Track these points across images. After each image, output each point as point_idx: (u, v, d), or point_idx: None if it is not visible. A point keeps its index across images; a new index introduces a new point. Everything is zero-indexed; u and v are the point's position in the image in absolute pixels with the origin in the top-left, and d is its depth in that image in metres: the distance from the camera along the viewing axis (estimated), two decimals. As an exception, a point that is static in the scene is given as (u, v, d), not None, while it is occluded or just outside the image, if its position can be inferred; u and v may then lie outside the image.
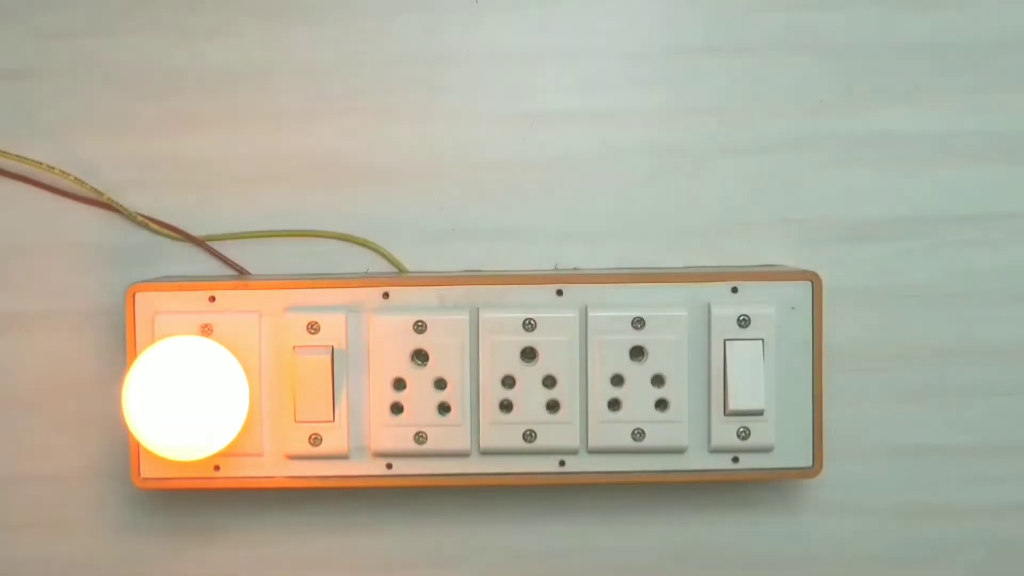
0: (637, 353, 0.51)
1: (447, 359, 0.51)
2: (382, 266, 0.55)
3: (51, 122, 0.55)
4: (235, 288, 0.51)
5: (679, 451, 0.51)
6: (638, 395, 0.51)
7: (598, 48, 0.55)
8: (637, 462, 0.51)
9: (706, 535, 0.56)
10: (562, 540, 0.56)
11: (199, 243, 0.55)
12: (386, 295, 0.51)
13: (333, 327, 0.51)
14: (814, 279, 0.51)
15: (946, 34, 0.54)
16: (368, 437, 0.51)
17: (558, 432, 0.51)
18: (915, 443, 0.56)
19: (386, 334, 0.51)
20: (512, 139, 0.55)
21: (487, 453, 0.51)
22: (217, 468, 0.51)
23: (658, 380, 0.51)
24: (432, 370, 0.51)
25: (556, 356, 0.50)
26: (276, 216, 0.55)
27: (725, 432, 0.51)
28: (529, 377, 0.51)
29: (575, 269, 0.55)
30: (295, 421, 0.51)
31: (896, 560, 0.56)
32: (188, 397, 0.48)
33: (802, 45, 0.54)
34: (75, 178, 0.54)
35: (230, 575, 0.56)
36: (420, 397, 0.51)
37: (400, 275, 0.54)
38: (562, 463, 0.52)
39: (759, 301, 0.51)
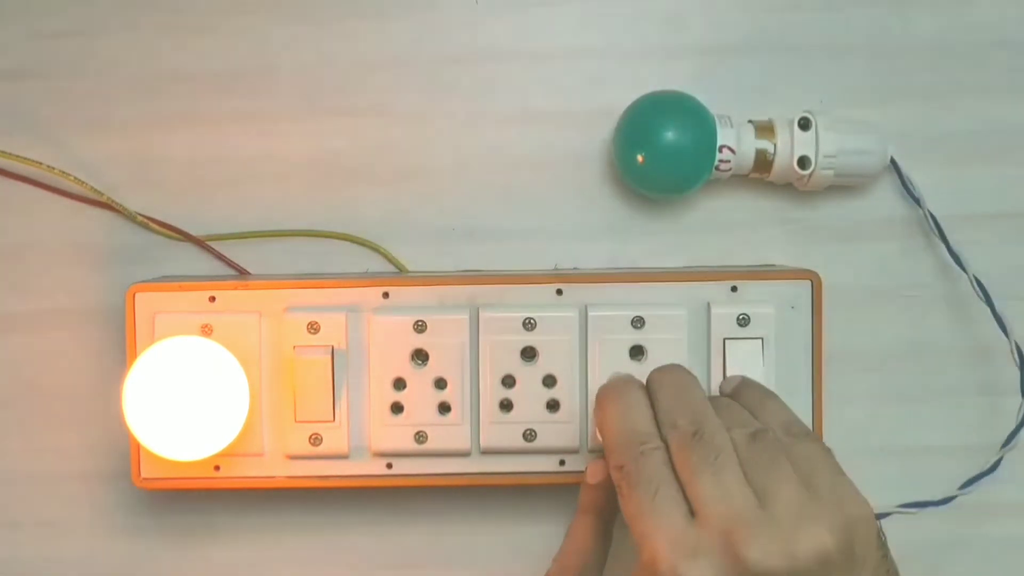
0: (637, 352, 0.51)
1: (447, 359, 0.51)
2: (382, 266, 0.55)
3: (51, 122, 0.55)
4: (235, 288, 0.51)
5: (679, 450, 0.51)
6: (638, 394, 0.51)
7: (599, 48, 0.55)
8: (637, 461, 0.51)
9: (706, 535, 0.56)
10: (562, 540, 0.56)
11: (199, 243, 0.55)
12: (386, 295, 0.51)
13: (333, 327, 0.51)
14: (813, 278, 0.51)
15: (946, 34, 0.55)
16: (368, 437, 0.51)
17: (558, 431, 0.51)
18: (915, 443, 0.56)
19: (386, 334, 0.51)
20: (512, 138, 0.55)
21: (487, 453, 0.51)
22: (217, 468, 0.51)
23: (658, 379, 0.51)
24: (432, 370, 0.51)
25: (556, 355, 0.50)
26: (276, 216, 0.55)
27: (725, 431, 0.51)
28: (529, 376, 0.51)
29: (575, 269, 0.55)
30: (295, 421, 0.51)
31: (896, 560, 0.56)
32: (188, 397, 0.48)
33: (802, 45, 0.55)
34: (75, 178, 0.54)
35: (230, 575, 0.56)
36: (420, 397, 0.51)
37: (400, 275, 0.54)
38: (562, 462, 0.52)
39: (759, 300, 0.51)
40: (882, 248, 0.55)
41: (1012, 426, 0.52)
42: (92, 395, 0.55)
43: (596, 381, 0.50)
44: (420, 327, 0.50)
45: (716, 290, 0.51)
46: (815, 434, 0.43)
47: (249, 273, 0.55)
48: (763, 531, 0.39)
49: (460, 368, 0.51)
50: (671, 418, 0.43)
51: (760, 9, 0.55)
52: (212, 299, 0.51)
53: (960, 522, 0.55)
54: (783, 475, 0.40)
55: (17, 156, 0.53)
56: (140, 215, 0.54)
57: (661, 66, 0.55)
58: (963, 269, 0.53)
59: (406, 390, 0.51)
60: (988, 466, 0.50)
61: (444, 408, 0.51)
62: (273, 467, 0.51)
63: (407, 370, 0.51)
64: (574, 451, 0.51)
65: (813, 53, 0.55)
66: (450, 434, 0.51)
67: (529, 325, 0.50)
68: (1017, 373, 0.51)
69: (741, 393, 0.47)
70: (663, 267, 0.55)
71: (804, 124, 0.52)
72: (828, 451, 0.43)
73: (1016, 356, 0.52)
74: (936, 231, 0.54)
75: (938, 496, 0.50)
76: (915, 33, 0.55)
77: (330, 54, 0.55)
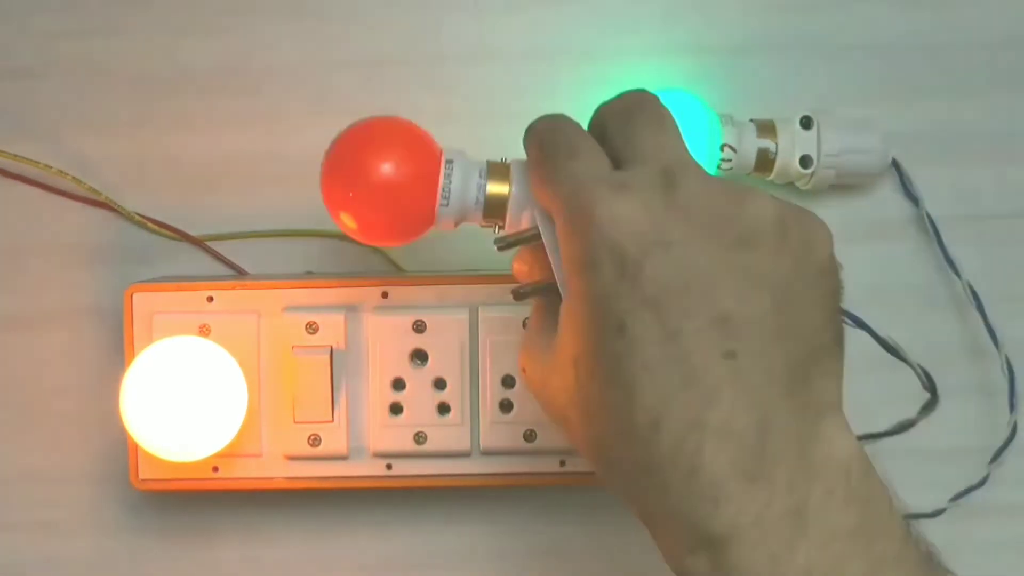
0: (637, 353, 0.51)
1: (446, 359, 0.51)
2: (381, 266, 0.55)
3: (51, 122, 0.55)
4: (233, 288, 0.51)
5: (679, 451, 0.51)
6: (638, 395, 0.50)
7: (599, 47, 0.55)
8: (637, 462, 0.51)
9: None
10: (562, 540, 0.56)
11: (198, 243, 0.55)
12: (385, 295, 0.51)
13: (332, 327, 0.50)
14: (814, 278, 0.51)
15: (946, 34, 0.54)
16: (367, 437, 0.51)
17: (559, 431, 0.51)
18: (914, 443, 0.55)
19: (385, 334, 0.51)
20: (512, 138, 0.55)
21: (487, 453, 0.51)
22: (216, 469, 0.51)
23: (658, 380, 0.50)
24: (431, 370, 0.51)
25: (555, 356, 0.50)
26: (276, 216, 0.55)
27: (725, 432, 0.51)
28: (529, 377, 0.51)
29: (575, 269, 0.55)
30: (294, 422, 0.51)
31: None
32: (186, 398, 0.48)
33: (802, 45, 0.54)
34: (74, 178, 0.54)
35: (230, 575, 0.56)
36: (419, 397, 0.51)
37: (399, 275, 0.54)
38: (562, 463, 0.51)
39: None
40: (882, 248, 0.55)
41: (1008, 428, 0.52)
42: (91, 395, 0.55)
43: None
44: (419, 327, 0.50)
45: (716, 290, 0.51)
46: None
47: (247, 273, 0.55)
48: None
49: (460, 368, 0.51)
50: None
51: (761, 8, 0.54)
52: (210, 299, 0.51)
53: (951, 526, 0.55)
54: None
55: (16, 156, 0.53)
56: (138, 215, 0.54)
57: (661, 66, 0.54)
58: (957, 275, 0.53)
59: (405, 390, 0.51)
60: (977, 481, 0.50)
61: (444, 408, 0.51)
62: (272, 468, 0.51)
63: (406, 370, 0.51)
64: (575, 451, 0.51)
65: (814, 52, 0.54)
66: (450, 434, 0.51)
67: (529, 325, 0.50)
68: (1020, 373, 0.51)
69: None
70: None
71: (806, 123, 0.52)
72: None
73: (1006, 369, 0.52)
74: (933, 233, 0.53)
75: (930, 502, 0.50)
76: (915, 33, 0.54)
77: (329, 54, 0.55)
